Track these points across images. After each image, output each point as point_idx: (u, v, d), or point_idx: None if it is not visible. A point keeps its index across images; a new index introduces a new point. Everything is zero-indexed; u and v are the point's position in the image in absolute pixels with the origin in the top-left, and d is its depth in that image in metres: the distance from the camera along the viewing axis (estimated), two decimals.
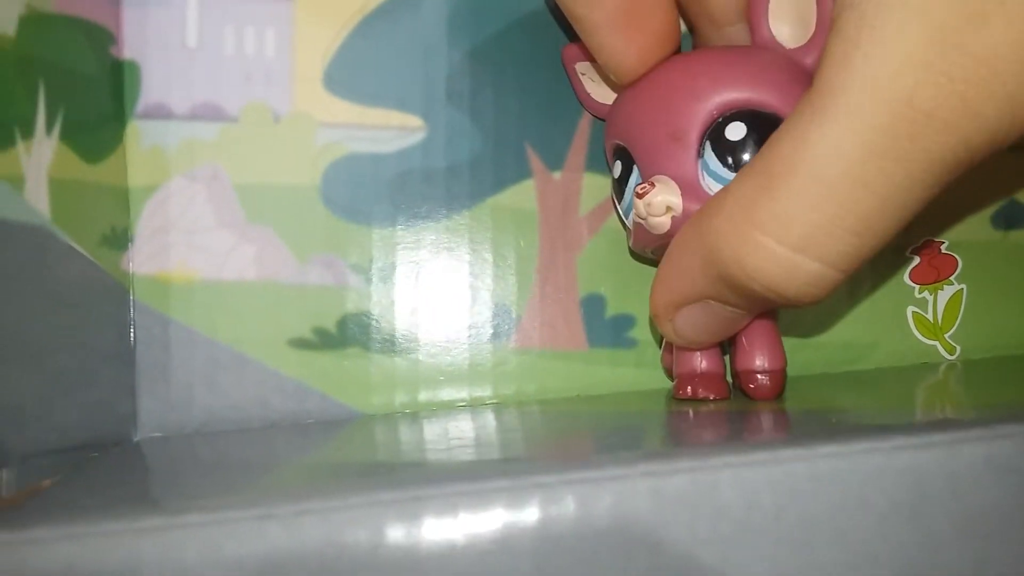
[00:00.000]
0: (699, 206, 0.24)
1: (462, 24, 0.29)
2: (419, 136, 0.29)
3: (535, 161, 0.30)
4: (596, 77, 0.29)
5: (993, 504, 0.20)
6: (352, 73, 0.29)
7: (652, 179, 0.25)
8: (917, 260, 0.31)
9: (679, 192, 0.24)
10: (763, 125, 0.24)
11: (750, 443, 0.20)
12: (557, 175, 0.30)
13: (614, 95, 0.28)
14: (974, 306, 0.31)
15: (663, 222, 0.25)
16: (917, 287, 0.31)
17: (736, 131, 0.24)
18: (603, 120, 0.29)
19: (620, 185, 0.27)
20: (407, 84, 0.29)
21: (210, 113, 0.28)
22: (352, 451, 0.26)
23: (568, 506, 0.19)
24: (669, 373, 0.29)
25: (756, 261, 0.22)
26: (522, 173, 0.30)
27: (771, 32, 0.25)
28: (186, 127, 0.28)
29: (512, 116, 0.30)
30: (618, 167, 0.27)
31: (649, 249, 0.27)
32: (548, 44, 0.30)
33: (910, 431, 0.20)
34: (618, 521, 0.19)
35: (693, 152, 0.25)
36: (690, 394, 0.27)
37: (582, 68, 0.28)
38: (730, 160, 0.24)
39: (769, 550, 0.19)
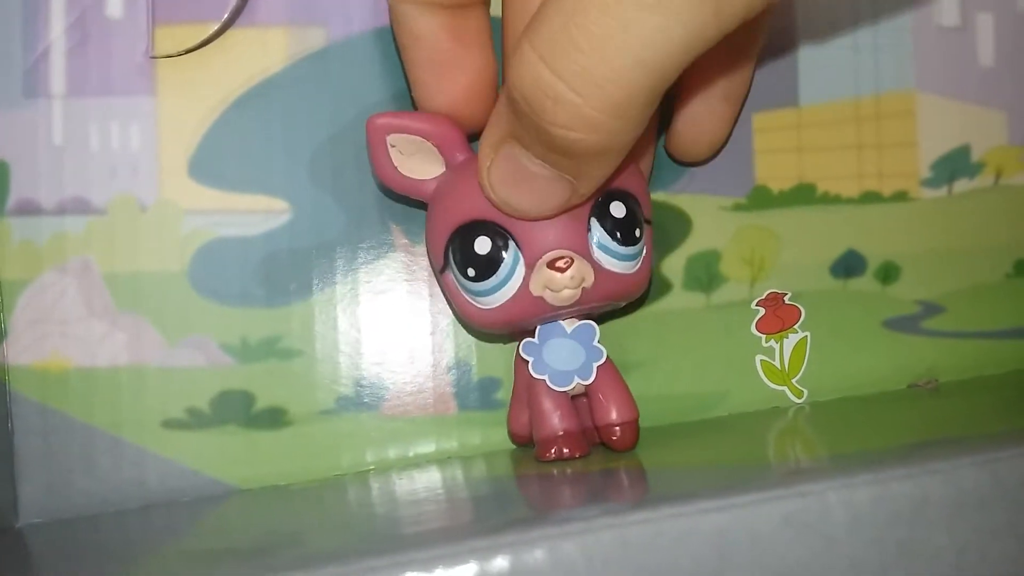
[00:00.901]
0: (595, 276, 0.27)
1: (322, 109, 0.31)
2: (285, 218, 0.31)
3: (398, 236, 0.31)
4: (408, 150, 0.28)
5: (791, 561, 0.22)
6: (216, 161, 0.30)
7: (566, 254, 0.27)
8: (763, 311, 0.33)
9: (590, 267, 0.27)
10: (632, 205, 0.28)
11: (563, 515, 0.22)
12: (420, 248, 0.31)
13: (430, 171, 0.28)
14: (818, 351, 0.33)
15: (575, 294, 0.27)
16: (764, 336, 0.33)
17: (618, 209, 0.27)
18: (408, 196, 0.29)
19: (490, 261, 0.27)
20: (271, 168, 0.31)
21: (78, 207, 0.30)
22: (226, 531, 0.27)
23: None
24: (514, 437, 0.31)
25: (518, 68, 0.23)
26: (387, 248, 0.31)
27: None
28: (55, 221, 0.29)
29: (374, 194, 0.31)
30: (484, 243, 0.27)
31: (502, 329, 0.29)
32: None
33: (713, 495, 0.22)
34: None
35: (584, 228, 0.27)
36: (554, 456, 0.28)
37: (393, 140, 0.28)
38: (618, 234, 0.27)
39: None
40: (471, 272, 0.27)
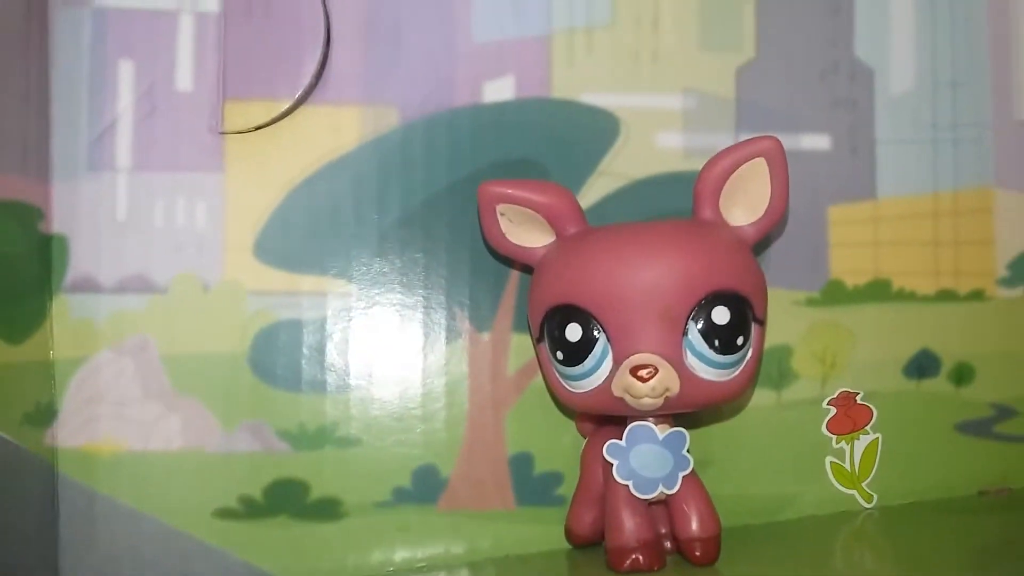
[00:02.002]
0: (682, 384, 0.25)
1: (392, 190, 0.30)
2: (349, 301, 0.30)
3: (463, 323, 0.30)
4: (517, 219, 0.28)
5: None
6: (282, 241, 0.29)
7: (652, 362, 0.25)
8: (834, 411, 0.32)
9: (677, 377, 0.25)
10: (740, 308, 0.26)
11: None
12: (485, 336, 0.30)
13: (538, 239, 0.28)
14: (889, 454, 0.32)
15: (657, 403, 0.26)
16: (835, 437, 0.32)
17: (721, 315, 0.26)
18: (516, 261, 0.29)
19: (579, 349, 0.26)
20: (337, 250, 0.30)
21: (139, 285, 0.29)
22: None
23: None
24: (573, 537, 0.29)
25: None
26: (451, 335, 0.30)
27: (720, 211, 0.27)
28: (115, 299, 0.29)
29: (441, 279, 0.30)
30: (575, 330, 0.26)
31: (588, 412, 0.28)
32: (476, 208, 0.30)
33: None
34: None
35: (679, 332, 0.26)
36: (629, 567, 0.27)
37: (503, 209, 0.28)
38: (716, 343, 0.26)
39: None
40: (560, 355, 0.27)
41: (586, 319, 0.26)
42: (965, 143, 0.34)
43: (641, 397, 0.25)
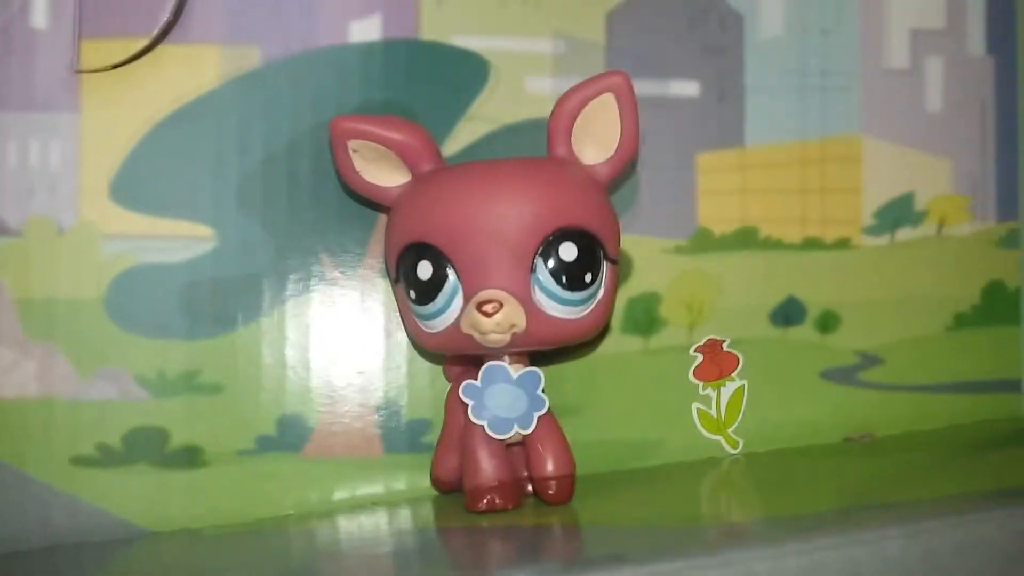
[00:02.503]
0: (530, 320, 0.26)
1: (255, 133, 0.30)
2: (209, 245, 0.29)
3: (329, 269, 0.30)
4: (370, 156, 0.27)
5: None
6: (140, 183, 0.29)
7: (497, 297, 0.25)
8: (700, 358, 0.32)
9: (523, 312, 0.26)
10: (590, 244, 0.26)
11: None
12: (352, 282, 0.30)
13: (393, 178, 0.28)
14: (755, 401, 0.33)
15: (504, 339, 0.26)
16: (701, 384, 0.33)
17: (568, 251, 0.26)
18: (372, 201, 0.29)
19: (430, 287, 0.26)
20: (197, 193, 0.29)
21: None
22: None
23: None
24: (438, 483, 0.30)
25: None
26: (317, 280, 0.30)
27: (572, 149, 0.27)
28: None
29: (306, 224, 0.30)
30: (426, 268, 0.26)
31: (444, 353, 0.28)
32: None
33: (640, 560, 0.21)
34: None
35: (527, 268, 0.26)
36: (486, 507, 0.27)
37: (355, 145, 0.27)
38: (564, 279, 0.26)
39: None
40: (413, 294, 0.27)
41: (436, 256, 0.26)
42: (833, 91, 0.34)
43: (487, 333, 0.26)
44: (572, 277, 0.26)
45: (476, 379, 0.27)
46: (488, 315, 0.25)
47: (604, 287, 0.27)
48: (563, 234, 0.26)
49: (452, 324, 0.26)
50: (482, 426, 0.27)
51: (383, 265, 0.30)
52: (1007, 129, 0.36)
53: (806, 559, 0.22)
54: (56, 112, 0.29)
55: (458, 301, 0.26)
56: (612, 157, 0.27)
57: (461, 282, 0.26)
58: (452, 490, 0.29)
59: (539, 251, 0.26)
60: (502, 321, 0.25)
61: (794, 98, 0.34)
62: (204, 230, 0.29)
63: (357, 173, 0.27)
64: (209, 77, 0.29)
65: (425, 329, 0.27)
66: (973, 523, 0.23)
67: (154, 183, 0.29)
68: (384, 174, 0.27)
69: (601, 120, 0.27)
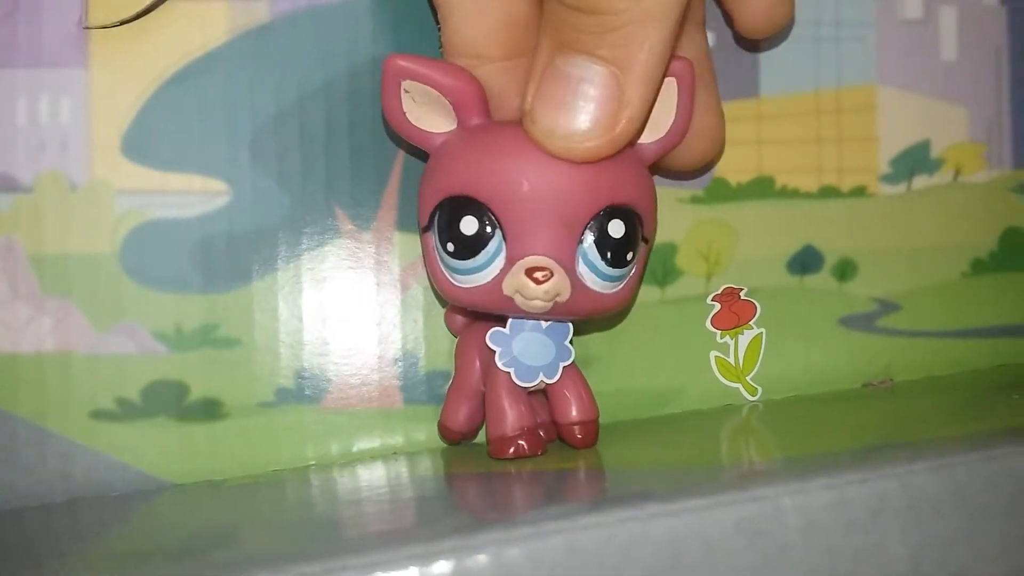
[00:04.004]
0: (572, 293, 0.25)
1: (265, 87, 0.29)
2: (223, 200, 0.29)
3: (344, 222, 0.30)
4: (421, 99, 0.27)
5: (744, 567, 0.21)
6: (151, 138, 0.29)
7: (548, 266, 0.25)
8: (718, 307, 0.32)
9: (569, 283, 0.25)
10: (634, 223, 0.26)
11: (510, 518, 0.21)
12: (367, 235, 0.30)
13: (440, 124, 0.27)
14: (773, 349, 0.33)
15: (547, 306, 0.26)
16: (719, 332, 0.32)
17: (617, 228, 0.26)
18: (410, 144, 0.28)
19: (473, 243, 0.26)
20: (209, 148, 0.29)
21: (3, 184, 0.28)
22: (156, 529, 0.25)
23: None
24: (447, 433, 0.29)
25: None
26: (332, 234, 0.30)
27: None
28: None
29: (320, 178, 0.30)
30: (471, 223, 0.26)
31: (469, 308, 0.28)
32: (355, 104, 0.30)
33: (665, 498, 0.21)
34: None
35: (576, 240, 0.26)
36: (514, 454, 0.27)
37: (408, 86, 0.26)
38: (608, 255, 0.26)
39: None
40: (450, 247, 0.26)
41: (483, 213, 0.26)
42: (848, 41, 0.34)
43: (533, 299, 0.25)
44: (616, 254, 0.26)
45: (503, 326, 0.27)
46: (538, 282, 0.25)
47: (636, 266, 0.27)
48: (613, 211, 0.26)
49: (490, 282, 0.26)
50: (508, 374, 0.27)
51: (398, 218, 0.30)
52: (1022, 77, 0.36)
53: (834, 493, 0.22)
54: (65, 68, 0.28)
55: (500, 261, 0.26)
56: (662, 139, 0.27)
57: (506, 243, 0.26)
58: (459, 440, 0.29)
59: (589, 224, 0.26)
60: (551, 289, 0.25)
61: (809, 48, 0.33)
62: (218, 184, 0.29)
63: (404, 114, 0.27)
64: (218, 32, 0.29)
65: (455, 283, 0.27)
66: (1003, 456, 0.23)
67: (166, 138, 0.29)
68: (431, 119, 0.27)
69: (659, 103, 0.26)
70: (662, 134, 0.27)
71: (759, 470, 0.25)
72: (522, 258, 0.25)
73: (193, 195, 0.29)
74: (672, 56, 0.26)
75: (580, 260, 0.26)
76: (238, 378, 0.29)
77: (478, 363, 0.28)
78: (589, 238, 0.26)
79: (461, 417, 0.29)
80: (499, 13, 0.27)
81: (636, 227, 0.26)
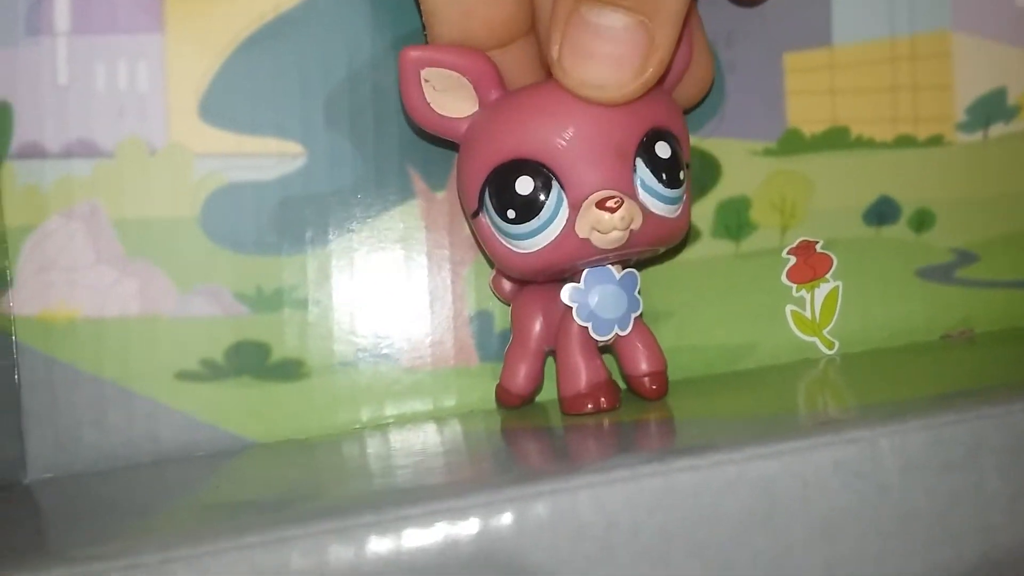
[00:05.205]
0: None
1: (338, 49, 0.29)
2: (299, 162, 0.29)
3: (418, 182, 0.30)
4: (442, 85, 0.27)
5: (841, 508, 0.21)
6: (228, 102, 0.29)
7: (616, 193, 0.25)
8: (793, 260, 0.32)
9: (639, 209, 0.26)
10: (675, 144, 0.26)
11: (607, 463, 0.21)
12: (440, 195, 0.30)
13: (463, 109, 0.27)
14: (850, 302, 0.32)
15: (624, 235, 0.26)
16: (795, 286, 0.32)
17: (664, 149, 0.26)
18: (437, 135, 0.28)
19: (533, 202, 0.26)
20: (284, 111, 0.29)
21: (85, 150, 0.28)
22: (242, 485, 0.26)
23: (435, 536, 0.20)
24: (507, 396, 0.29)
25: None
26: (406, 195, 0.30)
27: None
28: (61, 165, 0.28)
29: (393, 139, 0.30)
30: (526, 183, 0.26)
31: (541, 275, 0.27)
32: None
33: (761, 441, 0.21)
34: (482, 549, 0.20)
35: (630, 167, 0.26)
36: (592, 408, 0.27)
37: (428, 75, 0.27)
38: (664, 176, 0.26)
39: (628, 566, 0.20)
40: (511, 214, 0.26)
41: (536, 168, 0.26)
42: None
43: (610, 230, 0.25)
44: (670, 174, 0.26)
45: (575, 283, 0.27)
46: (612, 210, 0.25)
47: (686, 190, 0.27)
48: (656, 133, 0.26)
49: (560, 234, 0.26)
50: (581, 329, 0.27)
51: None
52: None
53: (930, 434, 0.21)
54: (141, 34, 0.29)
55: (564, 210, 0.26)
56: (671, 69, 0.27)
57: (565, 191, 0.26)
58: (519, 404, 0.29)
59: (638, 151, 0.26)
60: (626, 216, 0.25)
61: None
62: (294, 147, 0.29)
63: (428, 104, 0.27)
64: None
65: (519, 251, 0.26)
66: None
67: (242, 102, 0.29)
68: (454, 104, 0.27)
69: None
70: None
71: (851, 415, 0.25)
72: (585, 198, 0.25)
73: (270, 158, 0.29)
74: None
75: (639, 188, 0.26)
76: (318, 338, 0.29)
77: (539, 324, 0.29)
78: (641, 164, 0.26)
79: (520, 379, 0.29)
80: (483, 16, 0.27)
81: (677, 149, 0.27)
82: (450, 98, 0.27)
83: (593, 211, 0.25)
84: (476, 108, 0.27)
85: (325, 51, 0.29)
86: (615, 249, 0.26)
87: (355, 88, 0.30)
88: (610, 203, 0.25)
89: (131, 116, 0.29)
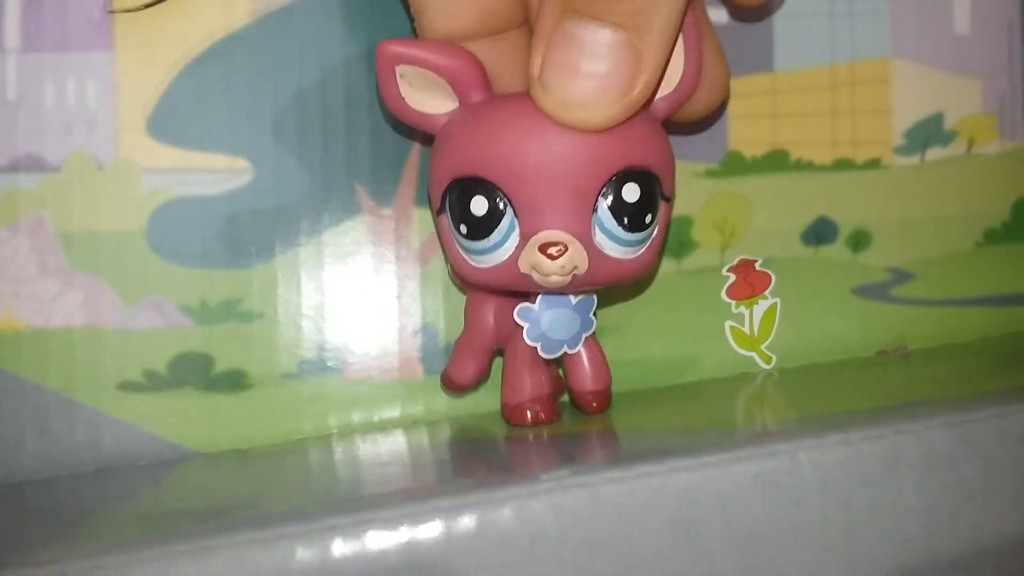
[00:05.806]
0: (591, 262, 0.25)
1: (287, 67, 0.30)
2: (246, 178, 0.30)
3: (364, 198, 0.31)
4: (418, 82, 0.26)
5: (760, 519, 0.21)
6: (176, 119, 0.29)
7: (562, 239, 0.25)
8: (733, 278, 0.33)
9: (586, 255, 0.25)
10: (650, 185, 0.26)
11: (533, 474, 0.21)
12: (387, 211, 0.31)
13: (440, 106, 0.26)
14: (788, 318, 0.33)
15: (564, 280, 0.25)
16: (734, 303, 0.33)
17: (631, 193, 0.25)
18: (415, 129, 0.28)
19: (485, 223, 0.25)
20: (232, 127, 0.30)
21: (32, 164, 0.29)
22: (183, 494, 0.26)
23: (363, 545, 0.20)
24: (452, 385, 0.30)
25: None
26: (352, 210, 0.30)
27: None
28: (7, 179, 0.28)
29: (340, 155, 0.30)
30: (480, 203, 0.25)
31: (490, 289, 0.28)
32: (375, 83, 0.30)
33: (684, 454, 0.22)
34: (410, 559, 0.20)
35: (589, 209, 0.25)
36: (531, 420, 0.28)
37: (403, 71, 0.26)
38: (625, 220, 0.25)
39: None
40: (464, 229, 0.26)
41: (492, 192, 0.25)
42: (862, 16, 0.34)
43: (550, 275, 0.25)
44: (633, 218, 0.25)
45: (530, 302, 0.27)
46: (553, 258, 0.25)
47: (658, 226, 0.26)
48: (626, 174, 0.25)
49: (506, 260, 0.26)
50: (534, 348, 0.27)
51: (417, 194, 0.31)
52: None
53: (848, 449, 0.22)
54: (91, 52, 0.29)
55: (514, 238, 0.25)
56: (671, 94, 0.26)
57: (518, 220, 0.25)
58: (462, 392, 0.30)
59: (602, 192, 0.25)
60: (566, 264, 0.25)
61: (823, 23, 0.34)
62: (241, 163, 0.30)
63: (403, 99, 0.26)
64: (240, 13, 0.30)
65: (472, 263, 0.26)
66: (1017, 412, 0.23)
67: (191, 118, 0.29)
68: (431, 101, 0.26)
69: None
70: (670, 89, 0.26)
71: (775, 429, 0.25)
72: (535, 234, 0.25)
73: (217, 173, 0.30)
74: None
75: (597, 229, 0.25)
76: (262, 350, 0.30)
77: (491, 321, 0.29)
78: (603, 205, 0.25)
79: (469, 372, 0.29)
80: (474, 7, 0.27)
81: (653, 188, 0.26)
82: (427, 95, 0.26)
83: (535, 253, 0.25)
84: (455, 106, 0.26)
85: (274, 69, 0.30)
86: (561, 288, 0.26)
87: (303, 106, 0.30)
88: (551, 250, 0.25)
89: (79, 132, 0.29)
